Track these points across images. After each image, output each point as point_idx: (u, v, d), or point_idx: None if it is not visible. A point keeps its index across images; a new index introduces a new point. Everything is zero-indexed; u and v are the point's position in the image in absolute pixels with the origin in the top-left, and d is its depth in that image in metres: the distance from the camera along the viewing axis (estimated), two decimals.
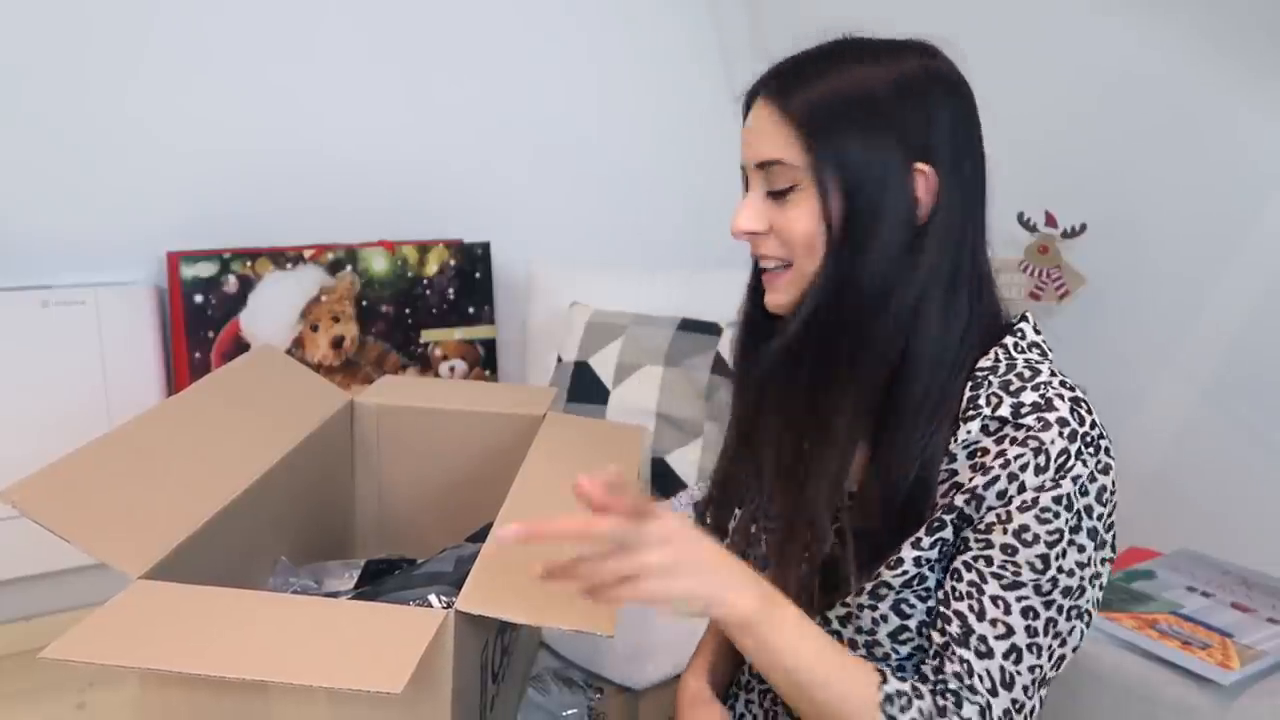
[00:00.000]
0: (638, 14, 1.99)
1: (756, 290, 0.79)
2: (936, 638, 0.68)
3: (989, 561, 0.66)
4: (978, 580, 0.66)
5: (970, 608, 0.66)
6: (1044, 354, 0.75)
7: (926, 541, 0.69)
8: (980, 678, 0.65)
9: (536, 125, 1.92)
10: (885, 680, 0.65)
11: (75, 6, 1.47)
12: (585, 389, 1.66)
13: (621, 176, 2.00)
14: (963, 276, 0.72)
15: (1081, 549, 0.67)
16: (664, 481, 1.60)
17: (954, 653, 0.66)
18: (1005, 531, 0.66)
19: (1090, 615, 0.69)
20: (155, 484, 0.79)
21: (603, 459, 1.01)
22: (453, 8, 1.80)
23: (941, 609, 0.68)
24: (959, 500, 0.68)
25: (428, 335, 1.77)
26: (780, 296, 0.75)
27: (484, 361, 1.84)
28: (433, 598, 0.76)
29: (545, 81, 1.92)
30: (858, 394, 0.71)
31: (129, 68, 1.53)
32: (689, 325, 1.66)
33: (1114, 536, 0.70)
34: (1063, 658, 0.68)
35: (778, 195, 0.72)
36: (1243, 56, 1.44)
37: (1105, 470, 0.69)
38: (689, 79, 2.03)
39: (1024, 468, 0.66)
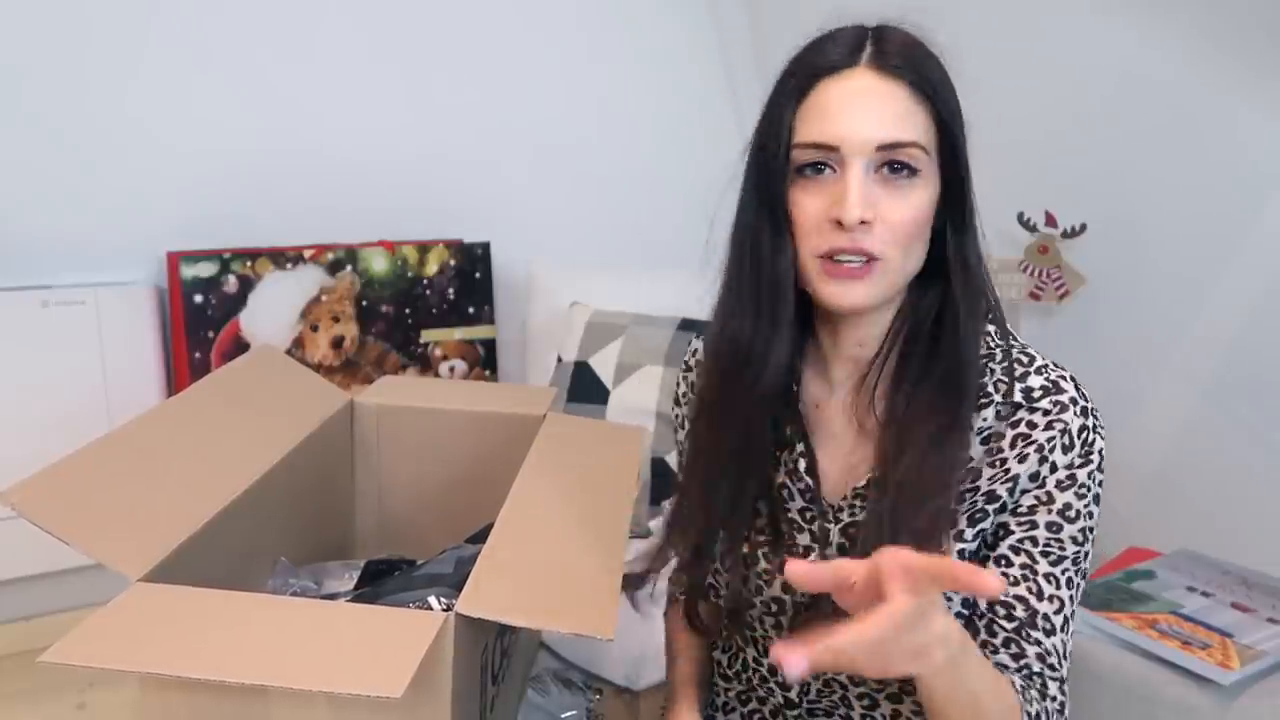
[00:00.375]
0: (638, 14, 1.99)
1: (798, 304, 0.73)
2: (1003, 625, 0.70)
3: (1035, 542, 0.70)
4: (1029, 562, 0.69)
5: (1030, 589, 0.69)
6: (1015, 339, 0.78)
7: (970, 533, 0.72)
8: (1052, 653, 0.69)
9: (537, 125, 1.92)
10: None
11: (75, 6, 1.47)
12: (585, 389, 1.66)
13: (621, 176, 1.99)
14: (985, 274, 0.79)
15: (1092, 514, 0.71)
16: (664, 482, 1.60)
17: (1028, 635, 0.69)
18: (1050, 511, 0.69)
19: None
20: (154, 485, 0.79)
21: (603, 459, 1.01)
22: (452, 8, 1.80)
23: (1001, 596, 0.70)
24: (1001, 489, 0.70)
25: (428, 335, 1.77)
26: (864, 291, 0.68)
27: (484, 361, 1.84)
28: (432, 599, 0.76)
29: (545, 81, 1.92)
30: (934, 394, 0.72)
31: (129, 68, 1.53)
32: (689, 325, 1.66)
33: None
34: None
35: (896, 178, 0.67)
36: (1243, 57, 1.44)
37: (1102, 436, 0.73)
38: (689, 79, 2.03)
39: (1053, 448, 0.69)
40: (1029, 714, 0.67)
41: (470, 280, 1.80)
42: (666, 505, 1.59)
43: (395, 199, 1.78)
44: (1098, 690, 1.10)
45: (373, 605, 0.71)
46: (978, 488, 0.71)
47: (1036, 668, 0.69)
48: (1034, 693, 0.69)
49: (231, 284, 1.56)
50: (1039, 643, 0.69)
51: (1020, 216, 1.67)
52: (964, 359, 0.71)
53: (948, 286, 0.73)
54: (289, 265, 1.61)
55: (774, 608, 0.80)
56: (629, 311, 1.71)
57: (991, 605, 0.70)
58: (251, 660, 0.60)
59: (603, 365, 1.66)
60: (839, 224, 0.66)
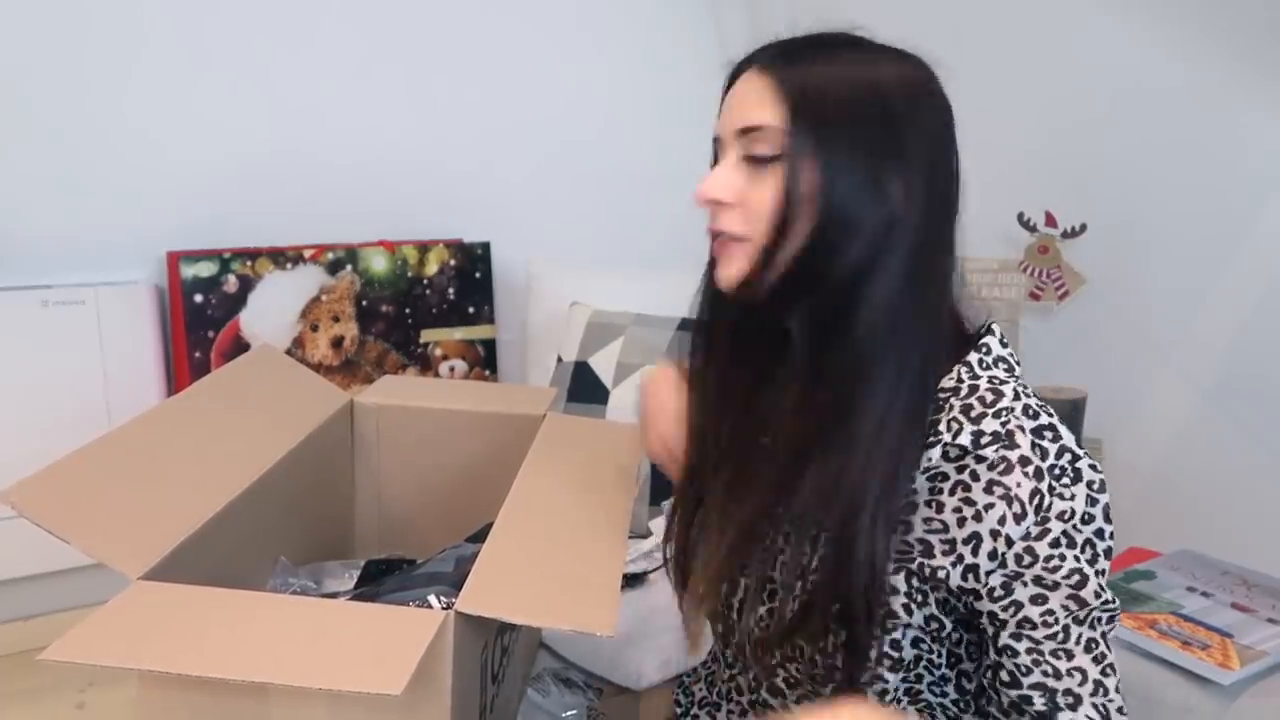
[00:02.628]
0: (639, 14, 1.99)
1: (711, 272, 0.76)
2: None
3: (1029, 624, 0.65)
4: (1033, 646, 0.66)
5: (1045, 672, 0.65)
6: (1010, 369, 0.70)
7: (916, 617, 0.69)
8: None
9: (537, 125, 1.92)
10: None
11: (75, 7, 1.47)
12: (585, 389, 1.66)
13: (621, 177, 1.99)
14: (930, 289, 0.68)
15: (1102, 572, 0.67)
16: (664, 482, 1.59)
17: (1045, 714, 0.65)
18: (1025, 586, 0.65)
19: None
20: (154, 484, 0.79)
21: (603, 459, 1.01)
22: (453, 9, 1.80)
23: (1016, 691, 0.66)
24: (939, 550, 0.66)
25: (428, 335, 1.77)
26: (730, 268, 0.71)
27: (484, 361, 1.84)
28: (432, 598, 0.76)
29: (546, 82, 1.92)
30: (802, 398, 0.69)
31: (129, 67, 1.53)
32: (689, 325, 1.66)
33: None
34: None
35: (757, 164, 0.69)
36: (1243, 57, 1.44)
37: (1101, 489, 0.67)
38: (689, 79, 2.03)
39: (1002, 520, 0.64)
40: None
41: (470, 280, 1.80)
42: (666, 505, 1.59)
43: (395, 199, 1.78)
44: None
45: (372, 604, 0.71)
46: (910, 524, 0.67)
47: None
48: None
49: (231, 284, 1.56)
50: None
51: (1020, 216, 1.67)
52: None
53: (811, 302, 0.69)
54: (289, 265, 1.61)
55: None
56: (629, 311, 1.71)
57: (1014, 704, 0.67)
58: (251, 658, 0.60)
59: (603, 365, 1.66)
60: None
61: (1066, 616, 0.64)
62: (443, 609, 0.72)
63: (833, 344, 0.67)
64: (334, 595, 0.89)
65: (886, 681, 0.71)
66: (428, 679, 0.65)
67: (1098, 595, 0.65)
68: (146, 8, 1.53)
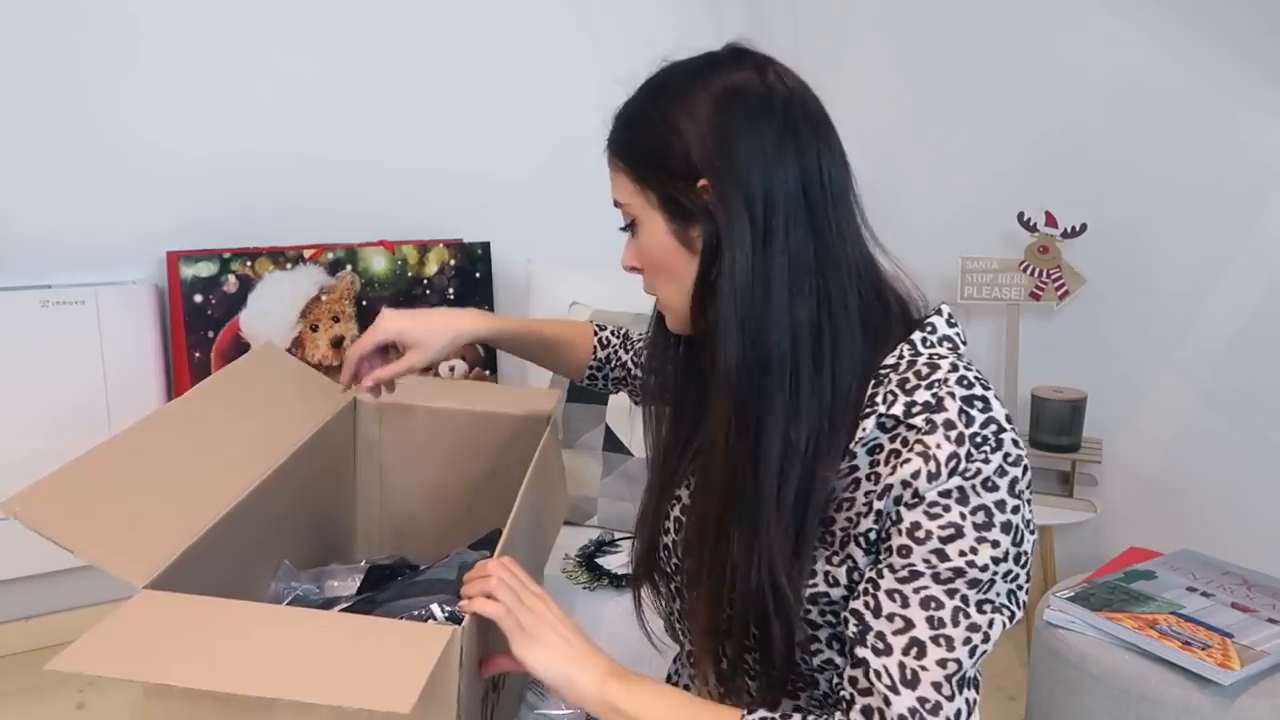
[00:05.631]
0: (638, 15, 1.99)
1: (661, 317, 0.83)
2: (850, 641, 0.66)
3: (886, 562, 0.65)
4: (875, 578, 0.65)
5: (866, 604, 0.65)
6: (954, 347, 0.72)
7: (837, 572, 0.69)
8: (878, 674, 0.62)
9: (537, 125, 1.92)
10: (748, 713, 0.65)
11: (75, 8, 1.48)
12: (585, 389, 1.65)
13: None
14: (828, 291, 0.69)
15: (996, 544, 0.64)
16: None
17: (853, 654, 0.64)
18: (900, 533, 0.64)
19: (1014, 610, 0.66)
20: (158, 490, 0.79)
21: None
22: (453, 9, 1.80)
23: (844, 613, 0.67)
24: (866, 524, 0.67)
25: None
26: (669, 322, 0.79)
27: (484, 361, 1.84)
28: (435, 608, 0.76)
29: (546, 82, 1.92)
30: (725, 414, 0.71)
31: (129, 69, 1.53)
32: None
33: (1032, 527, 0.69)
34: (983, 653, 0.64)
35: (630, 232, 0.78)
36: (1244, 58, 1.44)
37: (1015, 462, 0.66)
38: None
39: (915, 475, 0.64)
40: None
41: (470, 280, 1.80)
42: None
43: (395, 199, 1.78)
44: (1098, 690, 1.10)
45: (380, 617, 0.71)
46: (853, 500, 0.68)
47: (846, 692, 0.64)
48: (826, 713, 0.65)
49: (231, 284, 1.56)
50: (862, 661, 0.63)
51: (1020, 216, 1.67)
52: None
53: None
54: (289, 265, 1.61)
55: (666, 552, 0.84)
56: (629, 311, 1.71)
57: (845, 618, 0.67)
58: (258, 672, 0.60)
59: None
60: None
61: (923, 565, 0.64)
62: (445, 617, 0.72)
63: (719, 365, 0.71)
64: (336, 600, 0.89)
65: (837, 667, 0.72)
66: (435, 694, 0.64)
67: (969, 561, 0.63)
68: (146, 9, 1.53)
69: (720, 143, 0.69)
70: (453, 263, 1.78)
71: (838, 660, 0.72)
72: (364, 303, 1.69)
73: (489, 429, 1.13)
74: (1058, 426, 1.59)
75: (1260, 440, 1.46)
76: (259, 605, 0.69)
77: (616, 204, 0.78)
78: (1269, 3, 1.39)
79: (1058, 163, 1.69)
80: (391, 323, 0.96)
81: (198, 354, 1.54)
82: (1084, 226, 1.61)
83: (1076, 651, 1.13)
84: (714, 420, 0.71)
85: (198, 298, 1.53)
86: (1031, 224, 1.66)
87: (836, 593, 0.69)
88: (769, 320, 0.68)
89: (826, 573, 0.70)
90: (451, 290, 1.78)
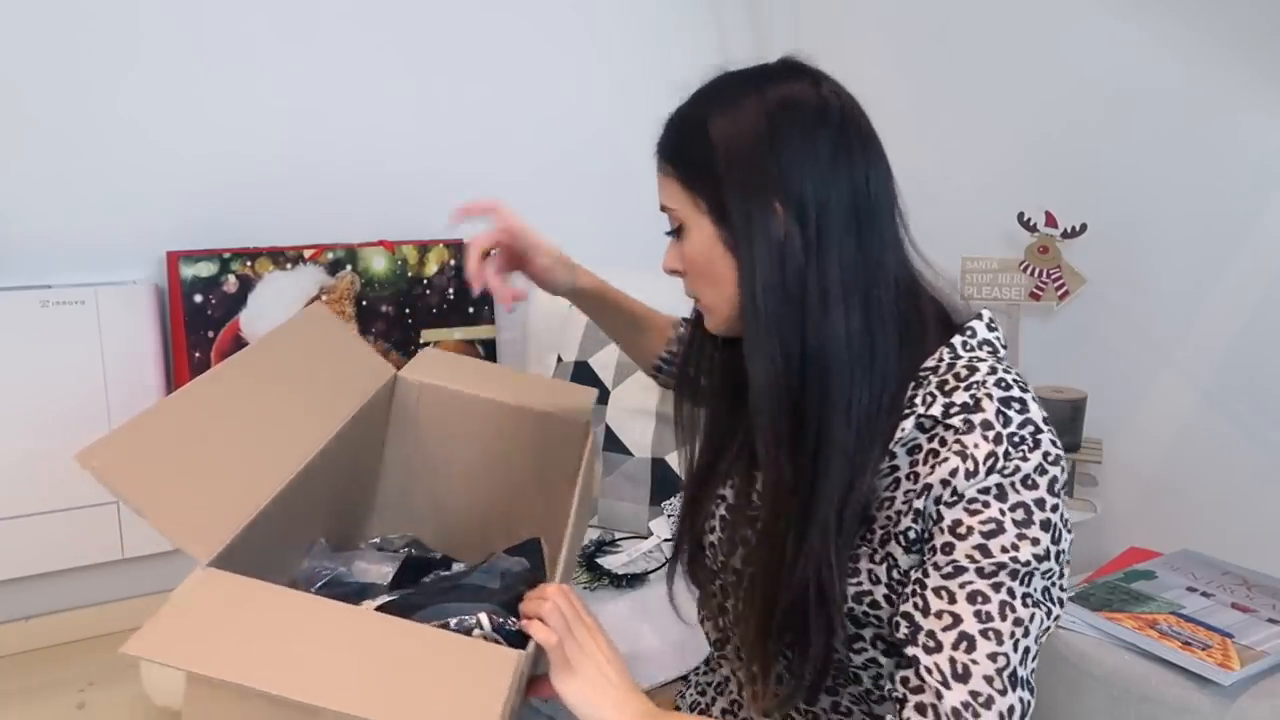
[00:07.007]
0: (639, 15, 1.99)
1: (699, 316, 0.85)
2: (901, 644, 0.67)
3: (931, 561, 0.66)
4: (921, 578, 0.66)
5: (915, 604, 0.65)
6: (994, 350, 0.73)
7: (879, 570, 0.70)
8: (929, 671, 0.63)
9: (537, 125, 1.92)
10: None
11: (75, 7, 1.48)
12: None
13: (621, 176, 1.99)
14: (874, 299, 0.71)
15: (1036, 541, 0.65)
16: (664, 483, 1.59)
17: (905, 654, 0.65)
18: (943, 530, 0.66)
19: (1051, 607, 0.67)
20: (220, 457, 0.77)
21: None
22: (453, 8, 1.80)
23: (895, 617, 0.68)
24: (906, 523, 0.68)
25: (428, 335, 1.77)
26: (708, 323, 0.81)
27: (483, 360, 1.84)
28: (484, 617, 0.75)
29: (546, 81, 1.92)
30: (774, 414, 0.72)
31: (129, 68, 1.53)
32: (685, 323, 1.66)
33: (1069, 526, 0.69)
34: (1028, 649, 0.64)
35: (675, 236, 0.79)
36: (1244, 57, 1.44)
37: (1054, 462, 0.67)
38: (690, 80, 2.03)
39: (954, 473, 0.66)
40: None
41: None
42: (667, 506, 1.59)
43: (395, 199, 1.78)
44: (1098, 690, 1.10)
45: (444, 630, 0.70)
46: (893, 499, 0.70)
47: (898, 691, 0.65)
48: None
49: (231, 284, 1.56)
50: (914, 660, 0.64)
51: (1020, 216, 1.67)
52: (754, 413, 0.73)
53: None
54: (289, 265, 1.61)
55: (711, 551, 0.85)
56: None
57: (896, 622, 0.67)
58: (319, 677, 0.59)
59: (603, 365, 1.66)
60: None
61: (966, 560, 0.64)
62: (493, 630, 0.72)
63: (764, 370, 0.72)
64: (371, 588, 0.88)
65: (880, 665, 0.73)
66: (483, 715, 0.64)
67: (1012, 557, 0.64)
68: (146, 8, 1.53)
69: (775, 153, 0.70)
70: (453, 263, 1.78)
71: (881, 660, 0.73)
72: (364, 303, 1.69)
73: (524, 424, 1.12)
74: (1058, 427, 1.56)
75: (1260, 440, 1.46)
76: (324, 601, 0.68)
77: (663, 208, 0.78)
78: (1269, 3, 1.39)
79: (1058, 163, 1.69)
80: (504, 222, 0.99)
81: (198, 354, 1.54)
82: (1084, 226, 1.61)
83: (1076, 651, 1.14)
84: (764, 425, 0.72)
85: (198, 298, 1.53)
86: (1031, 224, 1.66)
87: (879, 590, 0.70)
88: (826, 330, 0.69)
89: (869, 570, 0.71)
90: (451, 290, 1.78)
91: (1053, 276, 1.64)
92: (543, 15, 1.89)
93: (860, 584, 0.71)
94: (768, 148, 0.70)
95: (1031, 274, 1.66)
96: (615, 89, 1.98)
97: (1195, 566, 1.29)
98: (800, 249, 0.69)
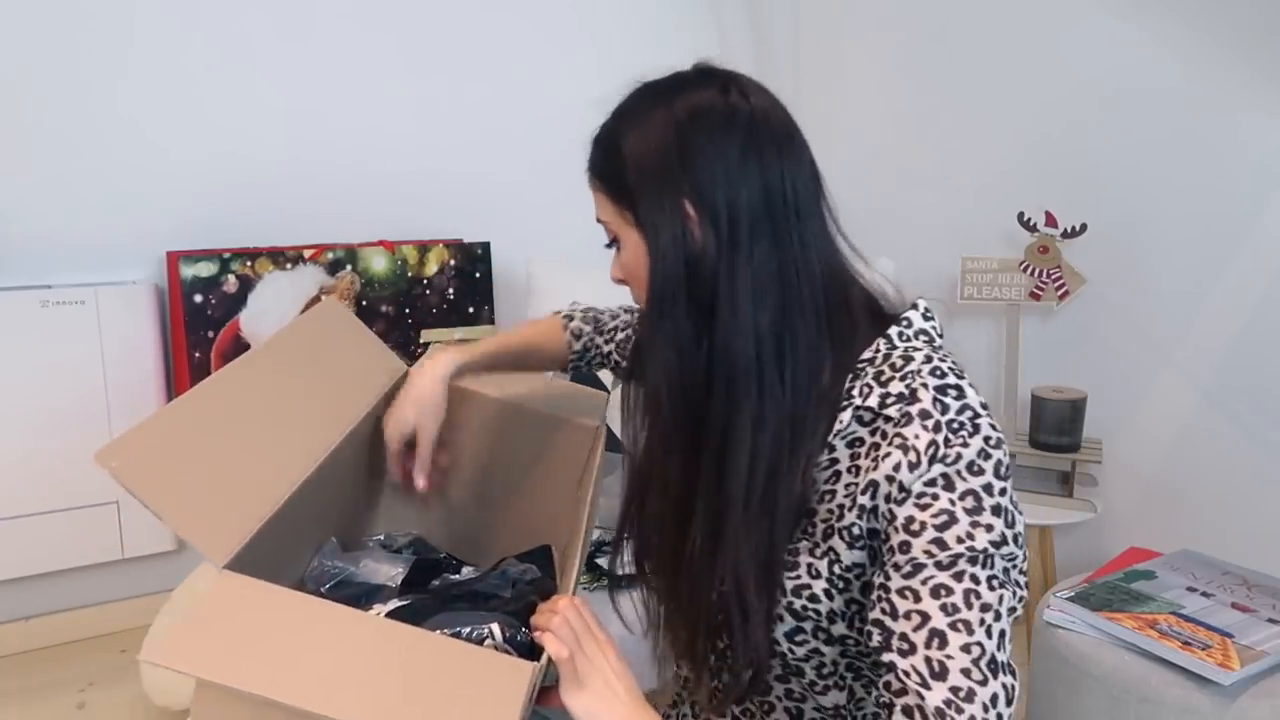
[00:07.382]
0: (638, 15, 1.99)
1: None
2: (877, 656, 0.67)
3: (890, 563, 0.66)
4: (884, 583, 0.66)
5: (883, 610, 0.65)
6: (930, 340, 0.73)
7: (819, 564, 0.71)
8: (907, 674, 0.63)
9: (537, 125, 1.92)
10: None
11: (75, 9, 1.48)
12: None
13: None
14: (792, 296, 0.71)
15: (990, 528, 0.64)
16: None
17: (882, 661, 0.65)
18: (897, 530, 0.65)
19: (1014, 589, 0.66)
20: (235, 456, 0.76)
21: None
22: (453, 9, 1.80)
23: (867, 626, 0.67)
24: (850, 518, 0.68)
25: (428, 335, 1.77)
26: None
27: None
28: (495, 628, 0.75)
29: (546, 82, 1.92)
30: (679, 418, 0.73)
31: (129, 68, 1.53)
32: None
33: (1020, 508, 0.69)
34: (1002, 633, 0.64)
35: (614, 247, 0.80)
36: (1244, 58, 1.44)
37: (997, 445, 0.67)
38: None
39: (897, 467, 0.65)
40: None
41: (470, 280, 1.80)
42: None
43: (395, 199, 1.78)
44: (1098, 690, 1.10)
45: (458, 641, 0.70)
46: (834, 492, 0.70)
47: (884, 698, 0.64)
48: None
49: (231, 284, 1.56)
50: (891, 667, 0.63)
51: (1020, 216, 1.67)
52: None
53: None
54: (289, 265, 1.61)
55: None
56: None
57: (868, 632, 0.67)
58: (335, 687, 0.58)
59: None
60: None
61: (924, 555, 0.64)
62: (504, 640, 0.72)
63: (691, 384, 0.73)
64: (380, 589, 0.87)
65: (823, 655, 0.73)
66: None
67: (968, 546, 0.64)
68: (146, 9, 1.53)
69: (684, 162, 0.71)
70: (453, 263, 1.78)
71: (824, 649, 0.73)
72: (364, 302, 1.69)
73: (532, 427, 1.12)
74: (1058, 426, 1.60)
75: (1260, 440, 1.46)
76: (339, 609, 0.68)
77: (599, 221, 0.80)
78: (1269, 3, 1.39)
79: (1058, 163, 1.69)
80: (391, 429, 0.96)
81: (198, 354, 1.54)
82: (1084, 226, 1.61)
83: (1076, 651, 1.13)
84: (657, 424, 0.74)
85: (198, 298, 1.53)
86: (1031, 224, 1.66)
87: (819, 585, 0.70)
88: (733, 328, 0.70)
89: (809, 565, 0.71)
90: (451, 290, 1.78)
91: (1053, 276, 1.64)
92: (542, 15, 1.89)
93: (799, 577, 0.71)
94: (675, 158, 0.72)
95: (1031, 274, 1.66)
96: (615, 89, 1.98)
97: (1195, 566, 1.29)
98: (714, 252, 0.70)
